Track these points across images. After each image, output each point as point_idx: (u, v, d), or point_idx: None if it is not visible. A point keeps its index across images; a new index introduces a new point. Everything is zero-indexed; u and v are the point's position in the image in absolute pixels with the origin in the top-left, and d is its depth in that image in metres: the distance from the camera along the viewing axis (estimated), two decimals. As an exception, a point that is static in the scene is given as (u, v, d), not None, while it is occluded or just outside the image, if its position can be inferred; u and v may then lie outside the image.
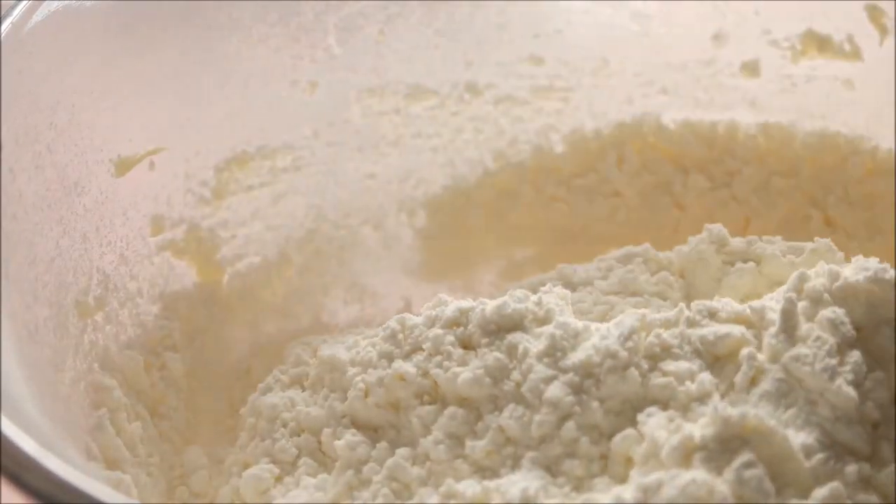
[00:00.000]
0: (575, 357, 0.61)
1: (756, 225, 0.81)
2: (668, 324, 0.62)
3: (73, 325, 0.65)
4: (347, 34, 0.79)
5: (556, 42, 0.82)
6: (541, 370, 0.61)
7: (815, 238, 0.70)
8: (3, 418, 0.51)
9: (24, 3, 0.66)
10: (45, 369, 0.61)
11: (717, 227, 0.72)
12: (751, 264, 0.70)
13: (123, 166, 0.71)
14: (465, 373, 0.62)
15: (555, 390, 0.60)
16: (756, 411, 0.55)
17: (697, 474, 0.54)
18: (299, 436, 0.66)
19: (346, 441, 0.63)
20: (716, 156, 0.82)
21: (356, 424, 0.65)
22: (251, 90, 0.77)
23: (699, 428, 0.56)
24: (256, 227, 0.79)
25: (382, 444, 0.63)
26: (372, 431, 0.64)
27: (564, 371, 0.60)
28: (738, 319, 0.62)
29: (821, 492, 0.54)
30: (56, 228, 0.65)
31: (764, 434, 0.55)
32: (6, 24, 0.64)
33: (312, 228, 0.81)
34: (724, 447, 0.55)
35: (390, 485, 0.61)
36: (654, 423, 0.57)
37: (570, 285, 0.72)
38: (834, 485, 0.54)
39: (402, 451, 0.62)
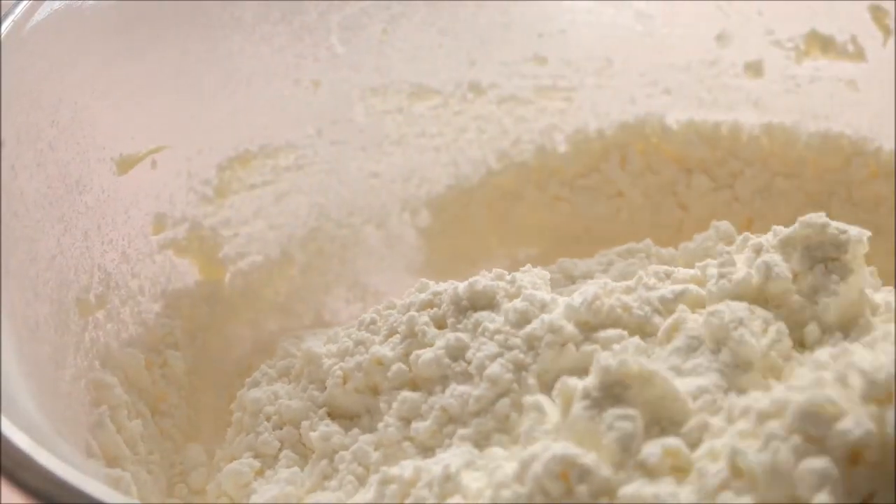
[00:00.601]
0: (525, 331, 0.61)
1: (759, 226, 0.80)
2: (629, 290, 0.63)
3: (74, 322, 0.65)
4: (351, 33, 0.79)
5: (560, 42, 0.82)
6: (489, 348, 0.61)
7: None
8: (3, 416, 0.51)
9: (26, 1, 0.66)
10: (46, 366, 0.61)
11: (724, 225, 0.72)
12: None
13: (125, 164, 0.71)
14: (426, 353, 0.62)
15: (494, 367, 0.60)
16: (638, 358, 0.56)
17: (563, 447, 0.53)
18: (282, 429, 0.66)
19: (321, 432, 0.63)
20: (719, 156, 0.82)
21: (334, 413, 0.65)
22: (254, 89, 0.77)
23: (586, 380, 0.56)
24: (259, 226, 0.79)
25: (355, 432, 0.63)
26: (348, 420, 0.64)
27: (511, 348, 0.61)
28: (691, 280, 0.63)
29: (690, 424, 0.55)
30: (57, 226, 0.65)
31: (646, 378, 0.55)
32: (8, 22, 0.65)
33: (315, 227, 0.81)
34: (606, 394, 0.55)
35: (355, 470, 0.61)
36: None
37: (571, 278, 0.72)
38: (701, 416, 0.55)
39: (367, 437, 0.62)
